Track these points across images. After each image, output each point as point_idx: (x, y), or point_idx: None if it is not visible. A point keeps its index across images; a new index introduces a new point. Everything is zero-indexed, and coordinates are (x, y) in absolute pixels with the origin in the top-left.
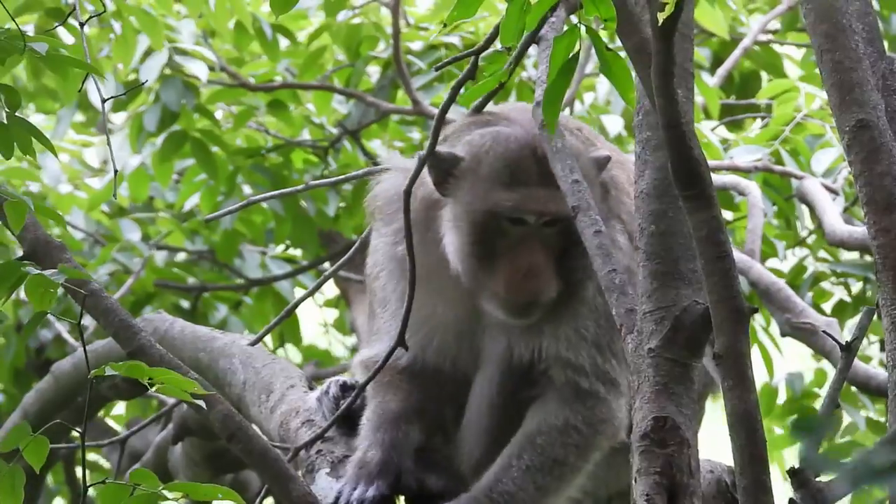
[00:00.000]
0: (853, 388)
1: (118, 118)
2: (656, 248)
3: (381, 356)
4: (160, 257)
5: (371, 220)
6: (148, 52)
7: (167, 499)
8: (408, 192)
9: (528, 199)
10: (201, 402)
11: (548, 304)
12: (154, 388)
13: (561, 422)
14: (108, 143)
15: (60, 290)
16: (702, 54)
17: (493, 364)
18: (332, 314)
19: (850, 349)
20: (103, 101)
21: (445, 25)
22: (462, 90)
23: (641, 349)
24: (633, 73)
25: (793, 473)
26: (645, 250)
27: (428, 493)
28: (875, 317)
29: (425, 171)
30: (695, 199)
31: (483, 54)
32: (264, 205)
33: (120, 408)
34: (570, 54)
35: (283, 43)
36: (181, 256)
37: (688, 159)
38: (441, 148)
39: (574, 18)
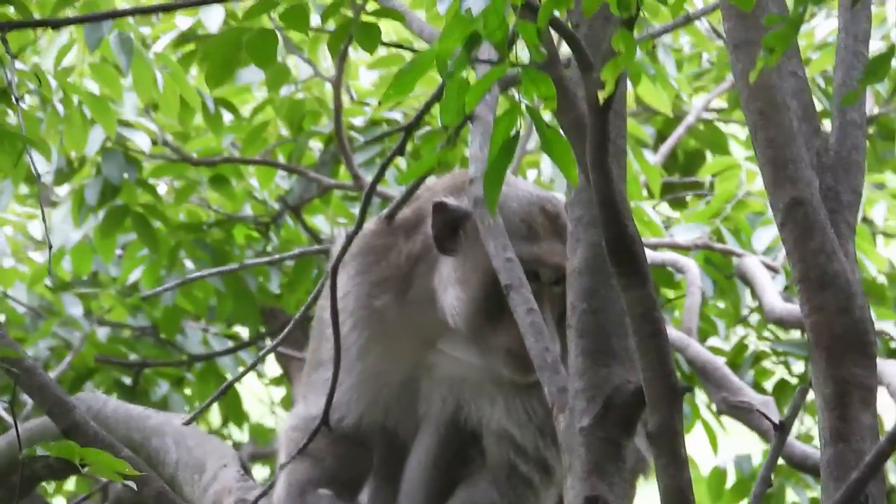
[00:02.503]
0: None
1: (62, 191)
2: (588, 326)
3: (320, 414)
4: (102, 333)
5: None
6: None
7: None
8: (335, 270)
9: (548, 252)
10: (134, 482)
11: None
12: (85, 469)
13: None
14: (44, 219)
15: None
16: (645, 132)
17: (433, 433)
18: (279, 393)
19: (783, 429)
20: (38, 175)
21: (380, 103)
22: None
23: (573, 428)
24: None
25: None
26: (576, 328)
27: None
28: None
29: (403, 226)
30: (629, 276)
31: (419, 132)
32: (206, 280)
33: (71, 483)
34: (512, 132)
35: (227, 117)
36: (125, 332)
37: (622, 237)
38: (450, 201)
39: (515, 94)
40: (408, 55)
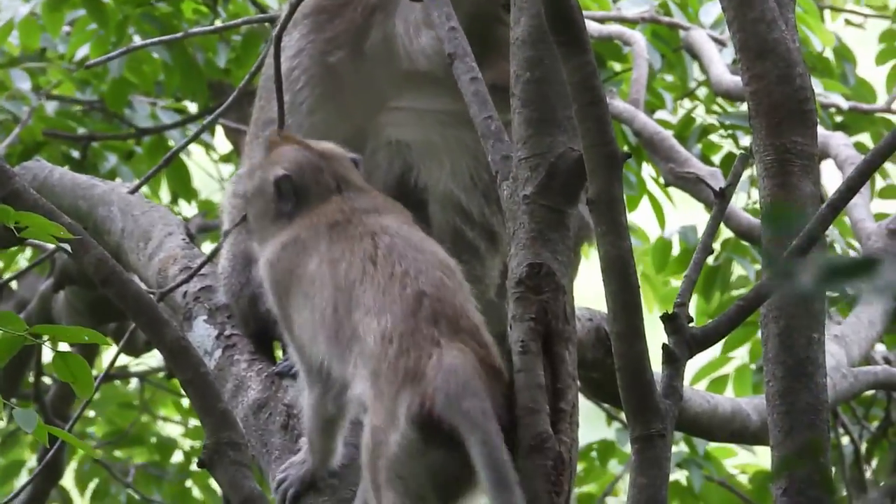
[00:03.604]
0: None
1: None
2: (531, 95)
3: None
4: (50, 107)
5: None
6: None
7: (34, 341)
8: (278, 38)
9: None
10: (74, 247)
11: None
12: (21, 233)
13: None
14: None
15: None
16: None
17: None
18: (228, 169)
19: (724, 196)
20: None
21: None
22: None
23: (517, 196)
24: None
25: (667, 319)
26: (520, 97)
27: None
28: None
29: None
30: (568, 44)
31: None
32: (154, 54)
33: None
34: None
35: None
36: (73, 106)
37: (560, 4)
38: None
39: None
40: None
